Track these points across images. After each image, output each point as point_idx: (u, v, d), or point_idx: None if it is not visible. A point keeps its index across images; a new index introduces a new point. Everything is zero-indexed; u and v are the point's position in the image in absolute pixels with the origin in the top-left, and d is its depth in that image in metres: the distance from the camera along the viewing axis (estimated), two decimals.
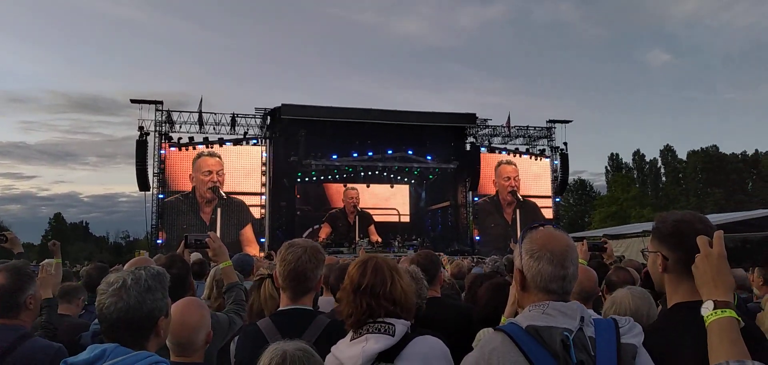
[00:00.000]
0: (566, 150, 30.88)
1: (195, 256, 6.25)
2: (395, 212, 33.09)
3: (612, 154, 66.97)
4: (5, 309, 2.79)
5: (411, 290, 2.30)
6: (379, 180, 32.18)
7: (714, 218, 14.64)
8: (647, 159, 64.45)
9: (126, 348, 1.84)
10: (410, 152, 30.06)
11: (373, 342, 2.06)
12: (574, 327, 1.67)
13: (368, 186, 31.87)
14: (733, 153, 58.25)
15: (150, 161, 25.62)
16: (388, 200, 33.04)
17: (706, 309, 1.64)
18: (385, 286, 2.18)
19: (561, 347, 1.61)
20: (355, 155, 29.74)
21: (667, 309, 1.97)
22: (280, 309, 2.73)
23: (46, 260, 5.21)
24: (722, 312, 1.61)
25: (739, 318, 1.61)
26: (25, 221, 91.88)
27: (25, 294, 2.85)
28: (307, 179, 31.05)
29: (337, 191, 31.97)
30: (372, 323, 2.13)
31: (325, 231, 30.01)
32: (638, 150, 65.11)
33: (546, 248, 1.79)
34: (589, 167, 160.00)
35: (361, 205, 31.52)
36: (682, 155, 61.13)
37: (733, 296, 1.78)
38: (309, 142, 27.50)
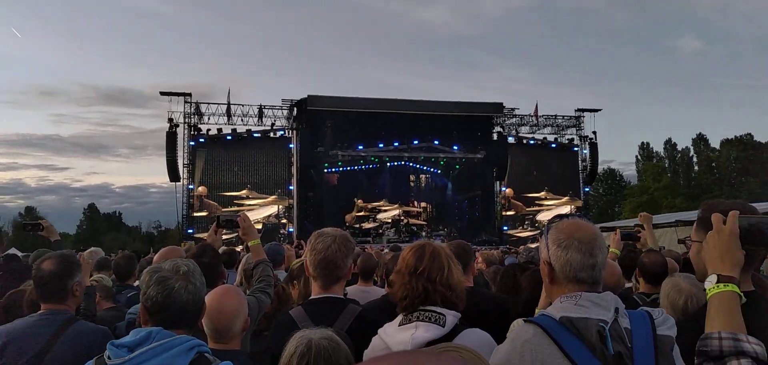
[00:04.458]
0: (595, 139, 30.45)
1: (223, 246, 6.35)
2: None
3: (642, 143, 65.77)
4: (53, 294, 2.90)
5: (463, 280, 2.30)
6: (405, 170, 32.16)
7: None
8: (679, 148, 63.08)
9: (168, 331, 1.90)
10: (436, 142, 29.97)
11: (423, 331, 2.06)
12: (609, 319, 1.64)
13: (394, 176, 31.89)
14: None
15: (180, 153, 26.08)
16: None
17: (709, 283, 1.69)
18: (442, 272, 2.18)
19: (597, 338, 1.58)
20: (381, 145, 29.78)
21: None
22: (312, 297, 2.76)
23: (90, 250, 5.34)
24: (725, 286, 1.66)
25: (742, 294, 1.65)
26: (60, 211, 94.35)
27: (72, 281, 2.96)
28: (333, 169, 31.18)
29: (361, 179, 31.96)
30: (423, 310, 2.13)
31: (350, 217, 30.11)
32: (670, 139, 63.70)
33: (573, 237, 1.77)
34: (619, 156, 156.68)
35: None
36: (715, 143, 59.67)
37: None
38: (335, 132, 27.64)
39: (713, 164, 58.17)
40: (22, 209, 74.57)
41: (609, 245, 5.19)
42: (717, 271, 1.70)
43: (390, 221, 29.32)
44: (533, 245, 8.76)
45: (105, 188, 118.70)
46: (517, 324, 2.61)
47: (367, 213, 30.01)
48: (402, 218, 29.72)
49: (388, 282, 3.96)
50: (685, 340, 1.71)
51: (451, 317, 2.11)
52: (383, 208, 29.97)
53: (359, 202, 30.33)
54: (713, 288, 1.68)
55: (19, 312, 3.18)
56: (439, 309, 2.12)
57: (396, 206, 30.00)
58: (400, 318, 2.18)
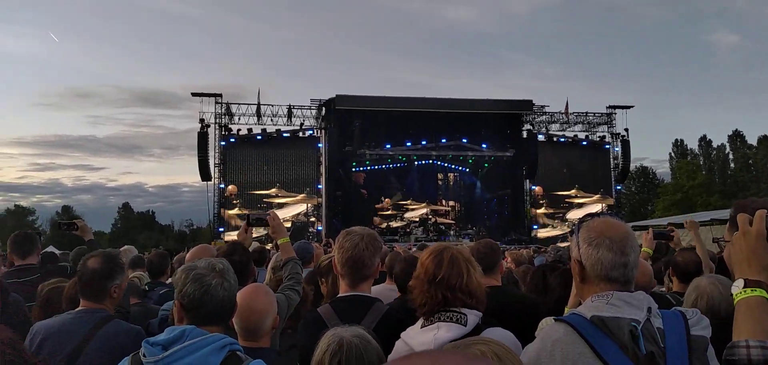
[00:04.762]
0: (628, 136, 29.92)
1: (255, 244, 6.43)
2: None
3: (676, 140, 64.13)
4: (93, 293, 2.96)
5: (483, 281, 2.28)
6: (433, 169, 32.06)
7: None
8: (714, 145, 61.47)
9: (201, 329, 1.94)
10: (465, 141, 29.80)
11: (445, 331, 2.05)
12: (641, 318, 1.61)
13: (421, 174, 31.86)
14: None
15: (211, 153, 26.49)
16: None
17: (736, 288, 1.61)
18: (461, 278, 2.16)
19: (629, 338, 1.55)
20: (409, 144, 29.75)
21: None
22: (339, 295, 2.77)
23: (124, 248, 5.47)
24: (752, 291, 1.57)
25: None
26: (95, 210, 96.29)
27: (113, 283, 3.02)
28: (361, 168, 31.27)
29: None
30: (444, 311, 2.12)
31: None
32: (705, 136, 62.03)
33: (604, 235, 1.73)
34: (652, 153, 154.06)
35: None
36: (752, 140, 57.95)
37: None
38: (363, 132, 27.73)
39: (750, 161, 56.52)
40: (59, 208, 76.62)
41: (641, 245, 5.08)
42: (744, 275, 1.62)
43: (418, 219, 29.30)
44: (563, 245, 8.65)
45: (139, 187, 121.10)
46: (547, 323, 2.59)
47: (394, 212, 30.07)
48: (430, 217, 29.66)
49: (396, 282, 3.93)
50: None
51: (473, 316, 2.10)
52: (411, 207, 29.97)
53: (387, 202, 30.42)
54: (740, 293, 1.59)
55: (58, 307, 3.26)
56: (460, 309, 2.12)
57: (424, 204, 29.95)
58: (421, 320, 2.19)
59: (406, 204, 30.15)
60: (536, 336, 2.58)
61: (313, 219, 27.63)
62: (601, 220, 1.82)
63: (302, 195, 27.51)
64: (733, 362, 1.50)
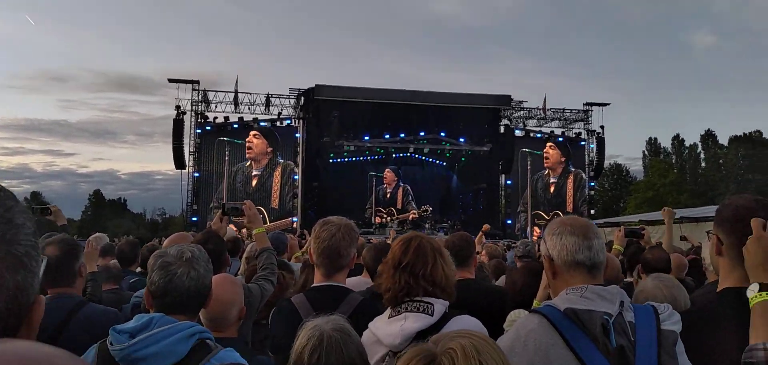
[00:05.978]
0: (603, 134, 30.31)
1: (229, 234, 6.37)
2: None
3: (650, 138, 65.44)
4: (62, 278, 2.90)
5: (453, 273, 2.29)
6: (411, 162, 32.10)
7: None
8: (687, 144, 62.80)
9: (170, 317, 1.92)
10: (443, 134, 29.90)
11: (412, 321, 2.06)
12: (613, 311, 1.65)
13: (400, 168, 31.77)
14: None
15: (186, 140, 26.08)
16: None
17: (752, 291, 1.64)
18: (426, 267, 2.17)
19: (601, 330, 1.59)
20: (387, 136, 29.74)
21: (716, 291, 1.92)
22: (313, 285, 2.76)
23: (95, 235, 5.38)
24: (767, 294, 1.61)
25: None
26: (65, 196, 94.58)
27: (78, 263, 3.00)
28: (338, 159, 31.16)
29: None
30: (410, 301, 2.13)
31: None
32: (678, 135, 63.39)
33: (566, 224, 1.86)
34: (626, 151, 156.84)
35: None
36: (723, 140, 59.33)
37: None
38: (342, 123, 27.61)
39: (721, 161, 57.85)
40: (28, 194, 74.96)
41: (612, 241, 5.18)
42: (759, 279, 1.65)
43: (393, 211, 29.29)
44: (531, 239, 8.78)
45: (111, 174, 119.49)
46: (517, 314, 2.63)
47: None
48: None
49: (367, 269, 3.99)
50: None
51: (440, 305, 2.11)
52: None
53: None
54: (756, 296, 1.62)
55: None
56: (427, 299, 2.13)
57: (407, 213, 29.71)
58: (389, 310, 2.20)
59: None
60: (505, 327, 2.63)
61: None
62: (563, 216, 1.99)
63: None
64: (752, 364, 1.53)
